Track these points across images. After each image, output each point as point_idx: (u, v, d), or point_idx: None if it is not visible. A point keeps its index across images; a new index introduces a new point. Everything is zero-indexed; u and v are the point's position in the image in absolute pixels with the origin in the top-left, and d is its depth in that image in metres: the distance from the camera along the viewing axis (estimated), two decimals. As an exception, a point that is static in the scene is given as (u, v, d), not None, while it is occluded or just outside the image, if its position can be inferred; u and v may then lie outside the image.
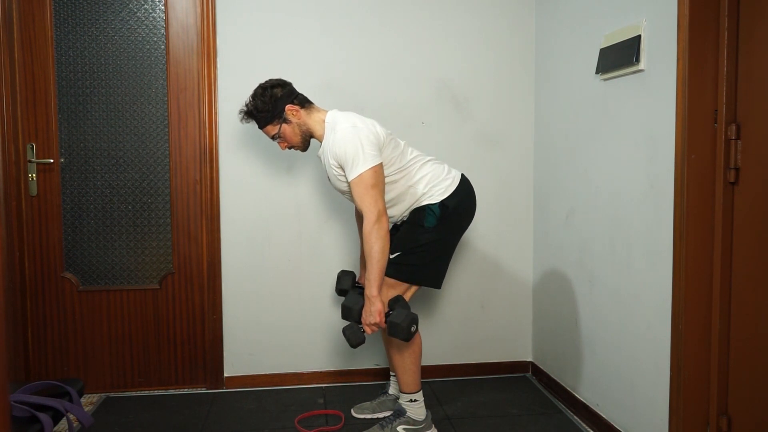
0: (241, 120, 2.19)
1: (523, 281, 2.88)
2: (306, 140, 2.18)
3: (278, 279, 2.71)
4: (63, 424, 2.29)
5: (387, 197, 2.09)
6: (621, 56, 2.02)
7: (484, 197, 2.78)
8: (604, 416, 2.23)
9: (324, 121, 2.11)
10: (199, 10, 2.59)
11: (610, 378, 2.19)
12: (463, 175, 2.21)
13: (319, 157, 2.18)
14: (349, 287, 2.30)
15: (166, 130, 2.63)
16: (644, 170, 1.95)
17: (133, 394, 2.66)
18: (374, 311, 1.98)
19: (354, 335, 2.02)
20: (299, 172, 2.69)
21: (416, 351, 2.14)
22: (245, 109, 2.15)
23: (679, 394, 1.80)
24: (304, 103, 2.15)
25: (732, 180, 1.71)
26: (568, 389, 2.50)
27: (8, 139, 2.47)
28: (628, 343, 2.08)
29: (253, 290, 2.70)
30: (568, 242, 2.49)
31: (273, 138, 2.16)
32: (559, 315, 2.59)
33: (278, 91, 2.11)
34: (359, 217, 2.40)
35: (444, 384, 2.74)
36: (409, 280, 2.11)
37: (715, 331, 1.77)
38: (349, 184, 2.01)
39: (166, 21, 2.59)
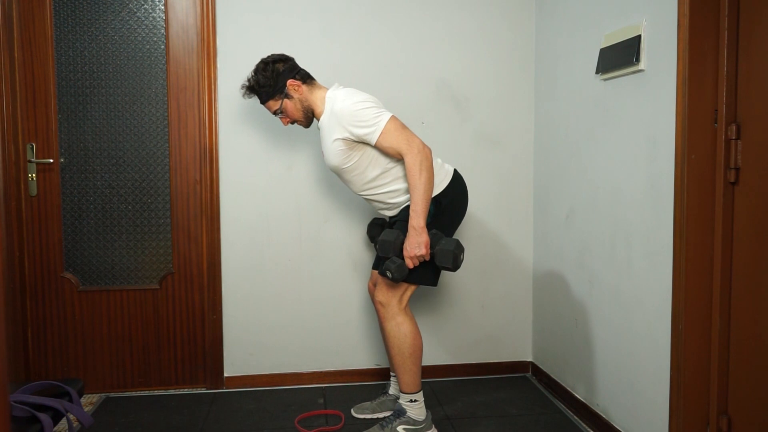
0: (243, 95, 2.19)
1: (523, 281, 2.88)
2: (308, 115, 2.18)
3: (278, 279, 2.71)
4: (63, 424, 2.29)
5: (380, 183, 2.11)
6: (621, 56, 2.02)
7: (484, 197, 2.79)
8: (604, 416, 2.23)
9: (324, 98, 2.13)
10: (199, 10, 2.59)
11: (610, 378, 2.19)
12: (455, 169, 2.22)
13: (319, 129, 2.19)
14: (377, 234, 2.31)
15: (166, 130, 2.63)
16: (644, 170, 1.95)
17: (133, 394, 2.66)
18: (421, 243, 1.96)
19: (399, 270, 1.99)
20: (299, 172, 2.69)
21: (417, 351, 2.14)
22: (247, 84, 2.15)
23: (679, 394, 1.80)
24: (306, 78, 2.15)
25: (732, 180, 1.71)
26: (568, 389, 2.50)
27: (8, 139, 2.47)
28: (628, 343, 2.08)
29: (253, 290, 2.70)
30: (568, 242, 2.49)
31: (275, 113, 2.17)
32: (559, 315, 2.59)
33: (280, 66, 2.12)
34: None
35: (444, 384, 2.74)
36: (407, 280, 2.11)
37: (715, 331, 1.77)
38: (376, 145, 2.02)
39: (166, 21, 2.59)
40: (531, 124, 2.83)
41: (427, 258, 2.00)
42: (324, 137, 2.13)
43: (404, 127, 2.02)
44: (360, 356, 2.77)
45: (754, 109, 1.65)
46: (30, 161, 2.56)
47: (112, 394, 2.65)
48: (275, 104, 2.14)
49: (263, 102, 2.17)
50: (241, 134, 2.64)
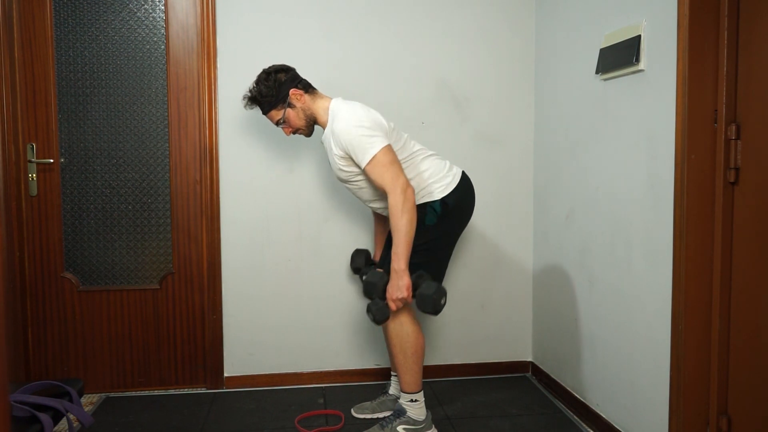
0: (245, 106, 2.18)
1: (523, 281, 2.88)
2: (310, 125, 2.18)
3: (278, 279, 2.71)
4: (63, 424, 2.29)
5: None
6: (621, 56, 2.02)
7: (484, 197, 2.78)
8: (604, 416, 2.23)
9: (328, 108, 2.12)
10: (199, 10, 2.59)
11: (610, 378, 2.19)
12: (463, 172, 2.21)
13: (323, 143, 2.18)
14: (363, 265, 2.31)
15: (166, 130, 2.63)
16: (644, 170, 1.95)
17: (133, 394, 2.66)
18: (402, 285, 1.95)
19: (380, 312, 1.99)
20: (299, 172, 2.69)
21: (418, 351, 2.13)
22: (249, 94, 2.15)
23: (679, 394, 1.80)
24: (308, 88, 2.15)
25: (732, 180, 1.71)
26: (568, 389, 2.50)
27: (8, 139, 2.47)
28: (628, 343, 2.08)
29: (253, 290, 2.70)
30: (568, 242, 2.49)
31: (277, 123, 2.16)
32: (559, 315, 2.59)
33: (282, 76, 2.12)
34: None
35: (444, 384, 2.74)
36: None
37: (715, 331, 1.77)
38: (364, 172, 2.00)
39: (166, 21, 2.59)
40: (531, 124, 2.83)
41: (410, 301, 2.00)
42: (327, 151, 2.14)
43: (393, 162, 1.97)
44: (360, 356, 2.77)
45: (754, 109, 1.65)
46: (30, 161, 2.56)
47: (112, 394, 2.65)
48: (278, 114, 2.14)
49: (265, 112, 2.16)
50: (241, 134, 2.64)
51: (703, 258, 1.77)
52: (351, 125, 2.00)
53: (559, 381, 2.60)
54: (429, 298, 1.94)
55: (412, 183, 2.09)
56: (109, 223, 2.64)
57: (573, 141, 2.44)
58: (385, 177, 1.95)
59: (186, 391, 2.70)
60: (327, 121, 2.12)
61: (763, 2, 1.61)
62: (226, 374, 2.72)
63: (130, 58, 2.59)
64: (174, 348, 2.70)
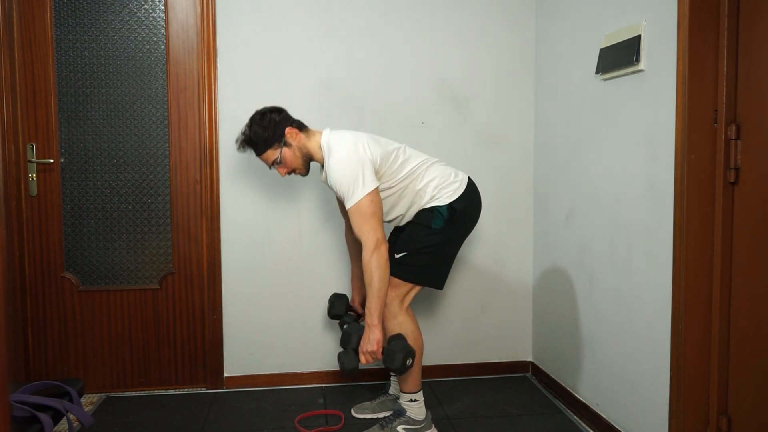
0: (239, 148, 2.16)
1: (523, 281, 2.88)
2: (307, 163, 2.16)
3: (278, 279, 2.71)
4: (63, 424, 2.29)
5: (395, 202, 2.11)
6: (621, 56, 2.02)
7: (484, 197, 2.76)
8: (604, 416, 2.23)
9: (320, 143, 2.10)
10: (199, 10, 2.59)
11: (610, 378, 2.19)
12: (469, 177, 2.21)
13: (325, 183, 2.14)
14: (343, 312, 2.34)
15: (166, 130, 2.63)
16: (644, 170, 1.95)
17: (133, 394, 2.66)
18: (373, 340, 1.98)
19: (348, 361, 2.02)
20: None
21: (418, 351, 2.14)
22: (243, 137, 2.12)
23: (679, 394, 1.80)
24: (302, 127, 2.14)
25: (732, 180, 1.71)
26: (568, 389, 2.50)
27: (8, 139, 2.47)
28: (628, 343, 2.08)
29: (253, 290, 2.70)
30: (568, 242, 2.49)
31: (273, 164, 2.13)
32: (559, 315, 2.59)
33: (276, 116, 2.10)
34: (350, 240, 2.41)
35: (444, 384, 2.74)
36: (414, 280, 2.11)
37: (715, 331, 1.77)
38: (348, 212, 2.01)
39: (166, 21, 2.59)
40: (531, 124, 2.83)
41: (379, 357, 2.01)
42: (331, 187, 2.12)
43: (374, 214, 1.97)
44: (360, 356, 2.77)
45: (753, 109, 1.65)
46: (30, 161, 2.56)
47: (112, 394, 2.65)
48: (274, 154, 2.10)
49: (261, 153, 2.12)
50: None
51: (703, 258, 1.77)
52: (340, 166, 1.98)
53: (559, 381, 2.60)
54: (395, 355, 1.95)
55: (420, 193, 2.10)
56: (109, 223, 2.64)
57: (573, 141, 2.44)
58: (363, 228, 1.96)
59: (186, 391, 2.70)
60: (322, 157, 2.10)
61: (763, 2, 1.61)
62: (226, 374, 2.72)
63: (130, 58, 2.59)
64: (174, 348, 2.70)
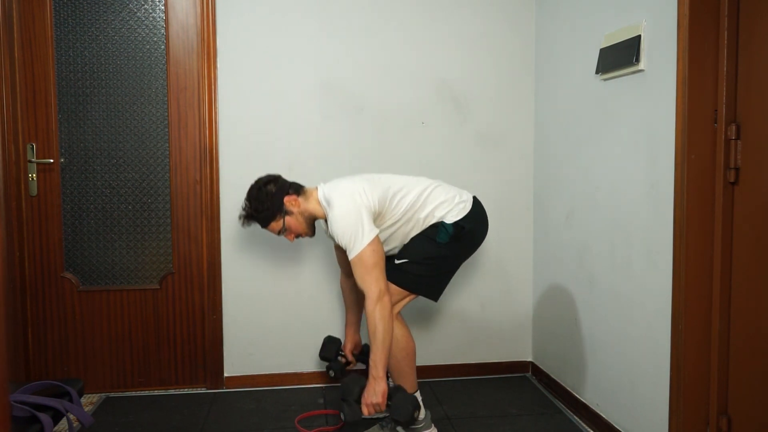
0: (243, 224, 2.15)
1: (523, 281, 2.88)
2: (311, 225, 2.16)
3: (278, 279, 2.71)
4: (63, 424, 2.28)
5: (402, 228, 2.10)
6: (621, 56, 2.02)
7: (484, 198, 2.77)
8: (604, 416, 2.23)
9: (318, 200, 2.09)
10: (199, 10, 2.59)
11: (610, 378, 2.19)
12: (474, 197, 2.20)
13: (332, 238, 2.11)
14: (332, 357, 2.35)
15: (166, 130, 2.63)
16: (644, 170, 1.95)
17: (133, 394, 2.66)
18: (379, 392, 1.96)
19: (351, 413, 2.00)
20: (299, 171, 2.68)
21: (410, 354, 2.14)
22: (244, 213, 2.11)
23: (679, 394, 1.80)
24: (298, 190, 2.12)
25: (732, 180, 1.71)
26: (568, 389, 2.50)
27: (8, 139, 2.47)
28: (628, 343, 2.08)
29: (253, 290, 2.70)
30: (568, 242, 2.49)
31: (279, 233, 2.12)
32: (559, 315, 2.59)
33: (272, 187, 2.08)
34: (347, 288, 2.41)
35: (444, 384, 2.74)
36: (410, 288, 2.11)
37: (715, 331, 1.77)
38: (350, 262, 2.00)
39: (166, 21, 2.59)
40: (531, 124, 2.82)
41: (383, 408, 1.99)
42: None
43: (376, 265, 1.95)
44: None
45: (753, 109, 1.65)
46: (30, 161, 2.56)
47: (112, 394, 2.65)
48: (278, 225, 2.10)
49: (265, 225, 2.11)
50: (241, 134, 2.64)
51: (703, 258, 1.77)
52: (341, 220, 1.97)
53: (559, 381, 2.60)
54: (402, 409, 1.95)
55: (428, 218, 2.09)
56: (109, 223, 2.64)
57: (573, 141, 2.44)
58: (365, 279, 1.95)
59: (186, 391, 2.70)
60: (324, 212, 2.09)
61: (763, 2, 1.61)
62: (226, 374, 2.72)
63: (130, 58, 2.59)
64: (174, 348, 2.70)
